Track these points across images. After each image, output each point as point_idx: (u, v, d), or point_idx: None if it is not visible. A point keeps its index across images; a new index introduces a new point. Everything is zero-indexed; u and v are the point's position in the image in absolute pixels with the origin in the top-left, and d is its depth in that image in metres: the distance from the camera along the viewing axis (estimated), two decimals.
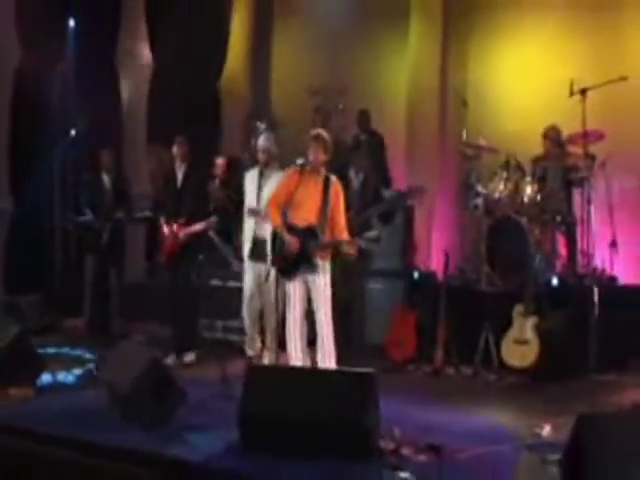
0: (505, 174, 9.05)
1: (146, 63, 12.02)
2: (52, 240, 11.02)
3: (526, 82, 10.83)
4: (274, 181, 7.90)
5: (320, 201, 7.02)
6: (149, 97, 12.02)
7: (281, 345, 7.36)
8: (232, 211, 8.97)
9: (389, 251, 9.31)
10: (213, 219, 8.66)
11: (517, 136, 10.04)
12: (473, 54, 11.45)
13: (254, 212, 8.03)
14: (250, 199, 8.12)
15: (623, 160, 9.22)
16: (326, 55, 12.33)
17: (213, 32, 12.64)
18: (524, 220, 8.80)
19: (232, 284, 8.58)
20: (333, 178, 7.12)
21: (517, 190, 8.97)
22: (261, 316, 8.09)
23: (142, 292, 10.92)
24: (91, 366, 8.06)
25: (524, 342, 7.72)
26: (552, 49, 10.71)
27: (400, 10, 11.63)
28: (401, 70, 11.69)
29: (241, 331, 8.37)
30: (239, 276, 8.26)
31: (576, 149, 8.88)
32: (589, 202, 8.52)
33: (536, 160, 9.16)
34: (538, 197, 8.89)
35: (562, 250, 9.10)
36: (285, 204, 7.08)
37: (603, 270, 8.71)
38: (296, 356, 7.14)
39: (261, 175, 8.11)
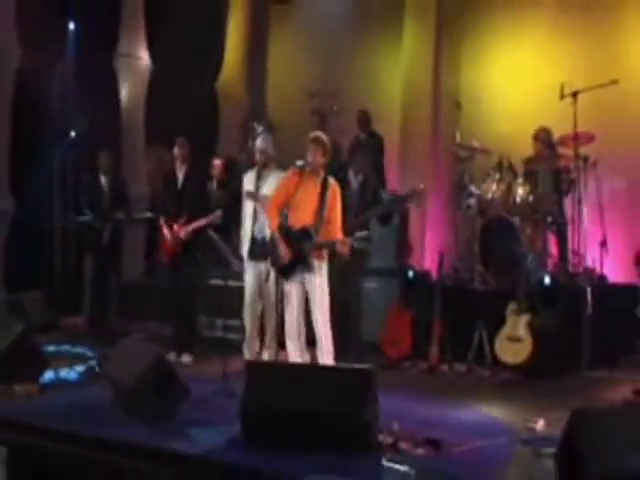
0: (498, 175, 9.15)
1: (145, 65, 12.03)
2: (52, 240, 11.05)
3: (518, 85, 10.96)
4: (272, 182, 7.95)
5: (317, 202, 7.10)
6: (147, 99, 12.04)
7: (281, 344, 7.46)
8: (230, 211, 8.98)
9: (385, 251, 9.36)
10: (218, 213, 8.69)
11: (510, 138, 10.14)
12: (466, 57, 11.55)
13: (252, 196, 8.05)
14: (248, 201, 8.14)
15: (613, 161, 9.32)
16: (321, 58, 12.42)
17: (210, 35, 12.70)
18: (516, 220, 8.89)
19: (232, 283, 8.60)
20: (332, 180, 7.20)
21: (509, 191, 9.06)
22: (262, 316, 8.12)
23: (141, 291, 10.98)
24: (93, 363, 8.10)
25: (517, 339, 7.81)
26: (544, 52, 10.83)
27: (394, 14, 11.75)
28: (395, 73, 11.79)
29: (241, 330, 8.39)
30: (239, 275, 8.29)
31: (567, 151, 8.97)
32: (580, 202, 8.62)
33: (527, 161, 9.26)
34: (530, 198, 8.98)
35: (553, 249, 9.20)
36: (285, 205, 7.18)
37: (593, 269, 8.78)
38: (295, 355, 7.21)
39: (259, 176, 8.13)
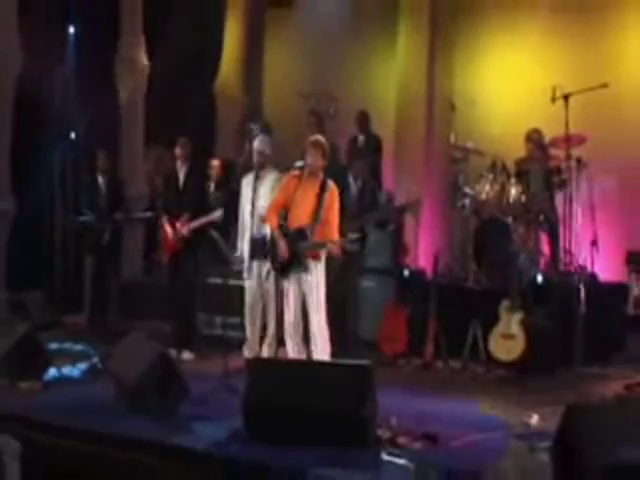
0: (491, 176, 9.21)
1: (143, 67, 12.05)
2: (52, 240, 11.08)
3: (511, 87, 11.08)
4: (269, 183, 8.02)
5: (315, 203, 7.16)
6: (146, 100, 12.08)
7: (280, 341, 7.58)
8: (228, 212, 9.02)
9: (381, 251, 9.45)
10: (219, 212, 8.75)
11: (503, 139, 10.23)
12: (460, 60, 11.63)
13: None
14: (246, 202, 8.19)
15: (604, 162, 9.43)
16: (317, 60, 12.47)
17: (208, 37, 12.75)
18: (509, 220, 8.98)
19: (233, 282, 8.69)
20: (331, 183, 7.24)
21: (503, 191, 9.13)
22: (262, 315, 8.14)
23: (140, 290, 11.02)
24: (95, 360, 8.16)
25: (510, 336, 7.89)
26: (537, 55, 10.94)
27: (389, 17, 11.82)
28: (390, 75, 11.85)
29: (240, 328, 8.44)
30: (239, 274, 8.31)
31: (559, 152, 9.06)
32: (571, 202, 8.73)
33: (519, 162, 9.33)
34: (523, 198, 9.05)
35: (545, 249, 9.27)
36: (284, 207, 7.28)
37: (584, 267, 8.85)
38: (293, 352, 7.28)
39: (257, 178, 8.13)
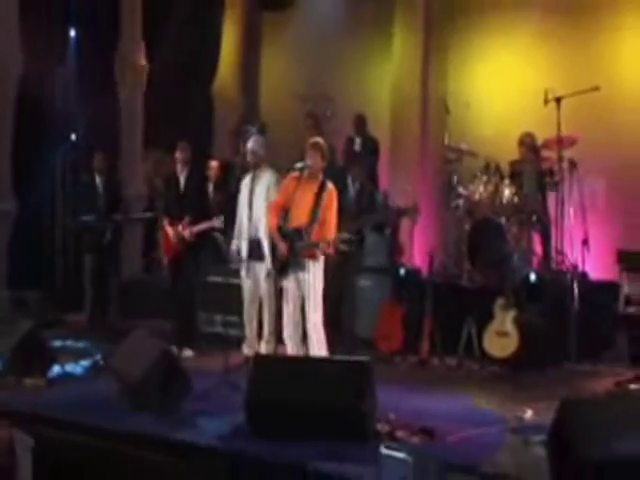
0: (485, 177, 9.31)
1: (143, 69, 12.12)
2: (53, 240, 11.13)
3: (505, 90, 11.14)
4: (264, 181, 8.12)
5: (313, 203, 7.25)
6: (145, 102, 12.15)
7: (279, 340, 7.68)
8: (227, 212, 9.04)
9: (377, 250, 9.56)
10: (221, 218, 8.76)
11: (496, 140, 10.30)
12: (454, 62, 11.69)
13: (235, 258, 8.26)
14: (243, 203, 8.27)
15: (594, 164, 9.53)
16: (313, 63, 12.53)
17: (206, 40, 12.81)
18: (502, 220, 9.07)
19: (233, 281, 8.75)
20: (329, 184, 7.33)
21: (496, 192, 9.22)
22: (260, 313, 8.22)
23: (140, 289, 11.09)
24: (98, 357, 8.23)
25: (504, 334, 7.98)
26: (529, 58, 11.01)
27: (385, 20, 11.88)
28: (385, 77, 11.89)
29: (240, 326, 8.50)
30: (238, 273, 8.41)
31: (551, 154, 9.17)
32: (562, 203, 8.85)
33: (513, 164, 9.42)
34: (515, 199, 9.15)
35: (538, 248, 9.36)
36: (284, 208, 7.38)
37: (576, 266, 8.93)
38: (292, 349, 7.37)
39: (253, 178, 8.22)
